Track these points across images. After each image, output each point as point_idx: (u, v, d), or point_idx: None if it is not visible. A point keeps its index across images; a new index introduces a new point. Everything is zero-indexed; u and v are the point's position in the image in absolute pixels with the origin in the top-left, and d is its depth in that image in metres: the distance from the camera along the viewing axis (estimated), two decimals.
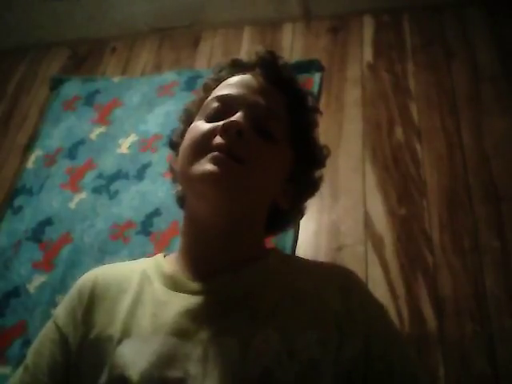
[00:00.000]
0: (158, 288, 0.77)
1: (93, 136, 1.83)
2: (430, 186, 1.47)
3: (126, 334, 0.72)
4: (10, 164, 1.89)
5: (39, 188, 1.72)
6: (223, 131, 0.74)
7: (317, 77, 1.78)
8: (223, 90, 0.82)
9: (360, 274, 1.31)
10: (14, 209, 1.70)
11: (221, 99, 0.81)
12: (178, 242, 1.42)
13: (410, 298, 1.28)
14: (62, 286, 1.45)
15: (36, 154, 1.84)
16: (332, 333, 0.71)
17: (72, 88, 2.03)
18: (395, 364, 0.73)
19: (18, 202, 1.72)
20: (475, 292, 1.26)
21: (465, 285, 1.28)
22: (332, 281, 0.79)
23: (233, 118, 0.75)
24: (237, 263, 0.77)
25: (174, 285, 0.76)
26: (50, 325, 0.80)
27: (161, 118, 1.81)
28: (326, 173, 1.53)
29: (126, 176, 1.67)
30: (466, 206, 1.41)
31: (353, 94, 1.73)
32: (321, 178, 0.93)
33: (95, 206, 1.62)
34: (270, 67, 0.84)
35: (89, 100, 1.96)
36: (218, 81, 0.86)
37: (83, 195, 1.66)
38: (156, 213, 1.54)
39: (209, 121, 0.79)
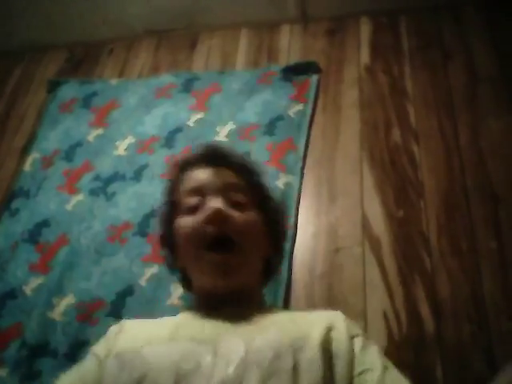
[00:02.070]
0: (177, 316, 0.94)
1: (90, 138, 1.82)
2: (428, 187, 1.47)
3: (146, 343, 0.84)
4: (7, 167, 1.88)
5: (36, 190, 1.71)
6: (211, 221, 0.90)
7: (314, 78, 1.79)
8: (189, 184, 0.98)
9: (358, 275, 1.33)
10: (11, 211, 1.69)
11: (192, 191, 0.96)
12: None
13: (408, 300, 1.28)
14: (58, 288, 1.44)
15: (33, 156, 1.84)
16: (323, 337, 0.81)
17: (69, 90, 2.02)
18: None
19: (15, 204, 1.71)
20: (473, 294, 1.26)
21: (462, 286, 1.28)
22: (318, 321, 0.88)
23: (212, 206, 0.90)
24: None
25: (190, 315, 0.93)
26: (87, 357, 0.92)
27: (158, 119, 1.80)
28: (324, 174, 1.56)
29: (123, 178, 1.66)
30: (463, 207, 1.41)
31: (350, 96, 1.73)
32: (284, 222, 1.14)
33: (92, 208, 1.61)
34: (213, 157, 1.01)
35: (86, 102, 1.95)
36: (179, 181, 1.02)
37: (80, 197, 1.65)
38: (153, 214, 1.53)
39: (190, 214, 0.94)
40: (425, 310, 1.26)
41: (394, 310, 1.27)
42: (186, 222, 0.94)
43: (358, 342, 0.83)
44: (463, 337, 1.20)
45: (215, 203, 0.91)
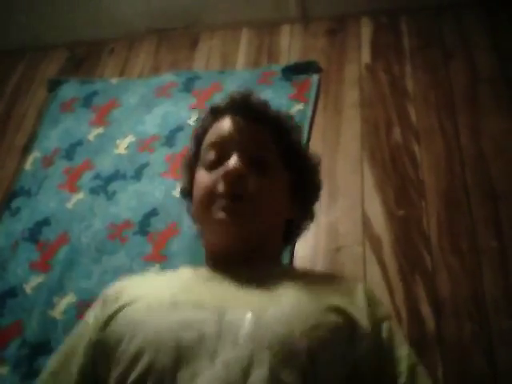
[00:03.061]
0: (185, 272, 0.90)
1: (90, 137, 1.82)
2: (428, 186, 1.47)
3: (146, 309, 0.79)
4: (8, 166, 1.88)
5: (37, 189, 1.71)
6: (225, 179, 0.86)
7: (315, 78, 1.79)
8: (213, 136, 0.94)
9: (358, 274, 1.33)
10: (11, 210, 1.69)
11: (213, 145, 0.93)
12: (175, 243, 1.45)
13: (409, 299, 1.28)
14: (59, 287, 1.44)
15: (34, 155, 1.84)
16: (342, 315, 0.78)
17: (70, 89, 2.02)
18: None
19: (15, 203, 1.71)
20: (474, 292, 1.26)
21: (463, 285, 1.28)
22: (336, 285, 0.88)
23: (231, 165, 0.86)
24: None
25: (200, 273, 0.89)
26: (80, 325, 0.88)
27: (158, 118, 1.80)
28: (325, 174, 1.55)
29: (123, 176, 1.66)
30: (464, 206, 1.41)
31: (351, 96, 1.73)
32: (320, 182, 1.07)
33: (93, 207, 1.61)
34: (244, 108, 0.95)
35: (87, 101, 1.95)
36: (205, 129, 0.98)
37: (81, 196, 1.65)
38: (153, 213, 1.53)
39: (209, 169, 0.91)
40: (425, 309, 1.26)
41: (395, 309, 1.27)
42: (202, 178, 0.91)
43: (385, 329, 0.81)
44: (464, 336, 1.20)
45: (233, 163, 0.86)
